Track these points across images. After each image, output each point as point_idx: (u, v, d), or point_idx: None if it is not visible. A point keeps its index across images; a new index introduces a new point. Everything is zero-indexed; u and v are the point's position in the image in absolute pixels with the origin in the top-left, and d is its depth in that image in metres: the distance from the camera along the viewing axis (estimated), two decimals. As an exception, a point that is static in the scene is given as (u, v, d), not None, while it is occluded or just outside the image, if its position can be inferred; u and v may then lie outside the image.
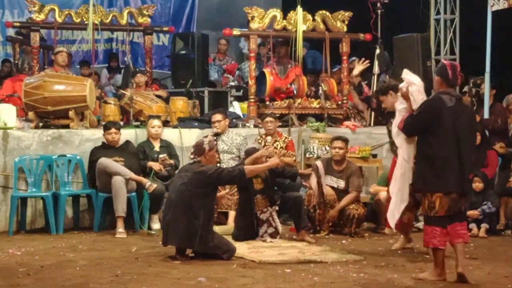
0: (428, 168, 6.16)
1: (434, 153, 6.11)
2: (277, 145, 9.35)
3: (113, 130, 8.90)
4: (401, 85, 6.53)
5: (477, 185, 8.89)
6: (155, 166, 8.89)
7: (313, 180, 8.60)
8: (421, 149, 6.27)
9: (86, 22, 10.63)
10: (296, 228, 8.26)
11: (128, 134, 9.32)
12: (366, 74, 11.60)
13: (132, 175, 8.59)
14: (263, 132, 9.57)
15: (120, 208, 8.44)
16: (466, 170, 6.20)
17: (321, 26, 10.66)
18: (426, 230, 6.26)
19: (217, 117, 9.33)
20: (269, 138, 9.38)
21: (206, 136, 7.81)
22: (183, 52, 11.52)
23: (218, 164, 8.47)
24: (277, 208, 8.16)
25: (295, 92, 10.40)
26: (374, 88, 10.80)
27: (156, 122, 9.20)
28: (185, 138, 9.55)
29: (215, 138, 8.95)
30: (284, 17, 10.47)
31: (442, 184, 6.11)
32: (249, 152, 8.20)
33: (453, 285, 6.07)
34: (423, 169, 6.21)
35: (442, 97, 6.15)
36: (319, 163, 8.68)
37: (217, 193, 7.49)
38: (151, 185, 8.52)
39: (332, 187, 8.63)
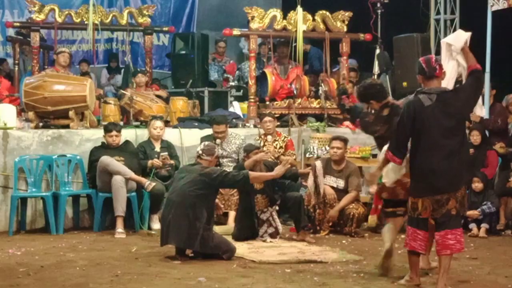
0: (410, 171, 5.96)
1: (416, 154, 5.86)
2: (277, 144, 9.36)
3: (114, 133, 8.90)
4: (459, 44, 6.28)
5: (477, 185, 8.89)
6: (156, 162, 8.87)
7: (310, 179, 8.60)
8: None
9: (86, 22, 10.64)
10: (296, 228, 8.26)
11: (128, 134, 9.32)
12: (366, 74, 11.61)
13: (132, 174, 8.59)
14: (263, 132, 9.57)
15: (120, 208, 8.45)
16: (454, 168, 5.82)
17: (321, 26, 10.66)
18: (408, 231, 5.99)
19: (221, 127, 9.25)
20: (269, 138, 9.39)
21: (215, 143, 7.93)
22: (183, 52, 11.53)
23: (218, 167, 8.49)
24: (277, 208, 8.17)
25: (295, 92, 10.41)
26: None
27: (158, 124, 9.20)
28: (185, 138, 9.55)
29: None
30: (284, 17, 10.47)
31: (419, 187, 5.87)
32: (247, 150, 8.22)
33: (454, 285, 6.05)
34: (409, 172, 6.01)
35: (420, 97, 5.88)
36: (318, 163, 8.68)
37: (217, 195, 7.51)
38: (150, 183, 8.51)
39: (332, 187, 8.64)
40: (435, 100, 5.84)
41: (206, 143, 7.68)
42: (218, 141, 9.19)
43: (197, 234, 6.91)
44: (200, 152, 7.38)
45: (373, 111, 6.62)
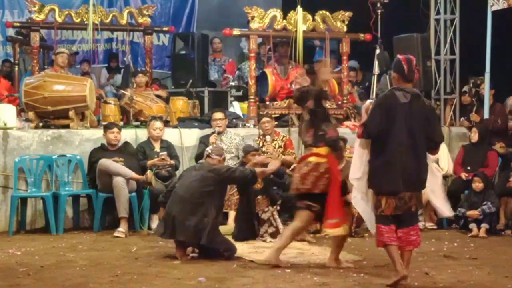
0: (373, 166, 6.00)
1: (381, 150, 5.92)
2: (276, 144, 9.37)
3: (115, 129, 8.91)
4: (367, 102, 6.40)
5: (477, 185, 8.89)
6: (155, 161, 8.87)
7: None
8: (372, 147, 6.05)
9: (86, 22, 10.63)
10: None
11: (128, 134, 9.32)
12: (367, 74, 11.60)
13: (133, 174, 8.59)
14: (262, 132, 9.57)
15: (123, 209, 8.45)
16: (418, 168, 5.94)
17: (321, 26, 10.65)
18: (376, 228, 6.05)
19: (219, 115, 9.36)
20: (268, 138, 9.39)
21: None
22: (183, 52, 11.52)
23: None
24: (278, 208, 8.16)
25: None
26: (374, 89, 10.81)
27: (158, 124, 9.19)
28: (185, 138, 9.55)
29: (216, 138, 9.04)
30: (284, 17, 10.46)
31: (386, 184, 5.93)
32: (246, 150, 8.23)
33: (454, 285, 6.06)
34: (370, 168, 6.04)
35: (396, 93, 5.95)
36: None
37: (226, 192, 7.56)
38: (149, 172, 8.49)
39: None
40: (410, 99, 5.94)
41: (214, 145, 7.86)
42: (217, 129, 9.22)
43: (204, 229, 6.94)
44: (210, 151, 7.49)
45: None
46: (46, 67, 10.98)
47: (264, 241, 7.94)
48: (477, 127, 9.65)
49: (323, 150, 6.66)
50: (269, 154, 8.98)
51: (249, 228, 8.02)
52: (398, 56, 6.18)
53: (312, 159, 6.64)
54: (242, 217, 8.09)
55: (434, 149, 6.24)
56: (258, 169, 7.42)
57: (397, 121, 5.89)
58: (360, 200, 6.19)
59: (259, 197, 8.06)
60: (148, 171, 8.57)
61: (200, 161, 7.93)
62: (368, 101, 6.20)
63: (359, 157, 6.17)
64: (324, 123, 6.72)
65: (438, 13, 11.25)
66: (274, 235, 8.02)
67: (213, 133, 9.25)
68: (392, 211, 5.94)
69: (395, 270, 5.96)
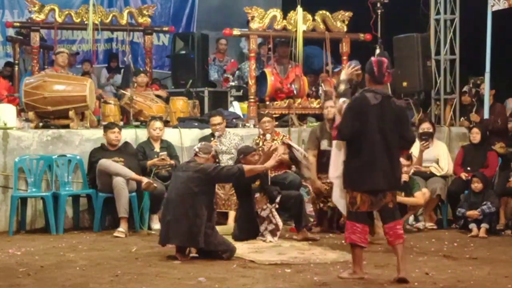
0: (349, 166, 6.08)
1: (357, 151, 6.01)
2: (275, 144, 9.35)
3: (116, 129, 8.91)
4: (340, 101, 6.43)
5: (476, 185, 8.89)
6: (155, 161, 8.87)
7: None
8: (348, 148, 6.14)
9: (86, 22, 10.64)
10: (296, 228, 8.26)
11: (128, 134, 9.32)
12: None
13: (133, 175, 8.59)
14: (262, 132, 9.56)
15: (123, 209, 8.44)
16: (393, 167, 6.04)
17: (321, 26, 10.65)
18: (347, 225, 6.15)
19: (217, 119, 9.32)
20: (268, 136, 9.39)
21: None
22: (183, 52, 11.52)
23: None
24: (277, 206, 8.13)
25: (295, 92, 10.40)
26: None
27: (157, 124, 9.18)
28: (185, 138, 9.55)
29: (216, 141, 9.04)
30: (284, 17, 10.47)
31: (360, 183, 6.02)
32: (245, 151, 8.21)
33: (454, 285, 6.06)
34: (345, 167, 6.11)
35: (366, 95, 6.04)
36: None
37: (215, 191, 7.52)
38: (148, 181, 8.48)
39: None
40: (380, 101, 6.04)
41: (203, 142, 7.77)
42: (217, 133, 9.22)
43: (199, 232, 6.92)
44: (197, 150, 7.41)
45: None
46: (46, 67, 10.99)
47: (264, 240, 7.94)
48: (478, 127, 9.64)
49: None
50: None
51: (249, 228, 8.02)
52: (371, 58, 6.32)
53: None
54: (242, 217, 8.09)
55: (407, 148, 6.52)
56: (247, 166, 7.37)
57: (369, 122, 6.01)
58: (340, 199, 6.31)
59: (257, 195, 8.05)
60: (144, 183, 8.51)
61: (188, 160, 7.88)
62: (341, 100, 6.24)
63: (338, 156, 6.27)
64: None
65: (438, 13, 11.25)
66: (273, 232, 8.02)
67: (212, 136, 9.24)
68: (367, 208, 6.07)
69: (354, 269, 6.14)
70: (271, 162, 7.56)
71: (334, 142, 6.35)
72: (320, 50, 11.11)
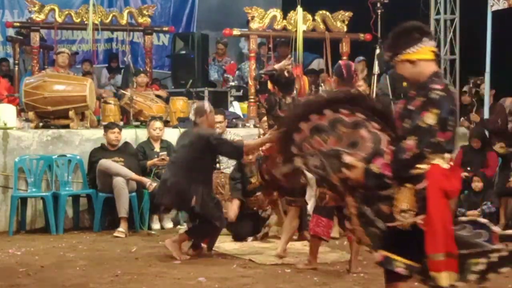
0: None
1: None
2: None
3: (116, 129, 8.91)
4: None
5: (476, 184, 8.89)
6: (155, 161, 8.87)
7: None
8: None
9: (86, 22, 10.64)
10: (297, 229, 8.24)
11: (128, 134, 9.32)
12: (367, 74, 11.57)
13: (133, 175, 8.59)
14: (262, 132, 9.55)
15: (123, 209, 8.44)
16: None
17: (321, 26, 10.66)
18: (313, 218, 6.40)
19: (219, 118, 9.31)
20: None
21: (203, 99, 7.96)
22: (183, 52, 11.53)
23: (217, 165, 8.51)
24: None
25: (295, 92, 10.39)
26: (374, 89, 10.80)
27: (157, 124, 9.18)
28: (185, 138, 9.54)
29: None
30: (284, 17, 10.47)
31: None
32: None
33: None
34: None
35: None
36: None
37: (215, 160, 7.66)
38: (151, 184, 8.51)
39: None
40: None
41: (195, 106, 7.69)
42: (218, 131, 9.21)
43: (195, 195, 6.93)
44: (193, 118, 7.39)
45: None
46: (46, 67, 10.99)
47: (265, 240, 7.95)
48: (477, 136, 9.56)
49: None
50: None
51: (249, 228, 8.02)
52: (339, 61, 6.55)
53: None
54: (242, 217, 8.09)
55: None
56: (249, 142, 7.47)
57: None
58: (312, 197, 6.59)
59: (258, 194, 8.05)
60: (149, 183, 8.52)
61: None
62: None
63: None
64: None
65: (438, 13, 11.27)
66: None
67: None
68: (336, 203, 6.17)
69: (309, 258, 6.51)
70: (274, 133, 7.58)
71: None
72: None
